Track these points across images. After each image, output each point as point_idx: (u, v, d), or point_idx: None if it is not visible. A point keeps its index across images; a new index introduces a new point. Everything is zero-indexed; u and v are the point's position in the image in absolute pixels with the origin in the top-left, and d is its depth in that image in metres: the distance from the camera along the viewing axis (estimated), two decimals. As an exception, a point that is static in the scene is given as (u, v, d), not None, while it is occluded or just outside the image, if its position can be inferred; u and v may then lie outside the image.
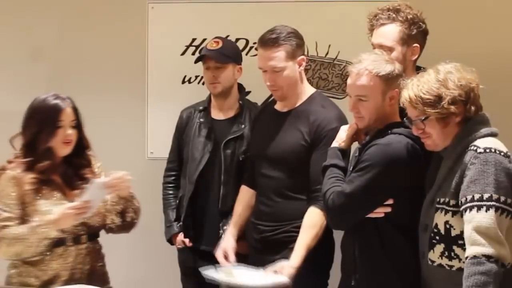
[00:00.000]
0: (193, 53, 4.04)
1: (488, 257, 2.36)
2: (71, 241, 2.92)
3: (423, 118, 2.56)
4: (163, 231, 3.68)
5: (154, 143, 4.14)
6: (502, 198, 2.42)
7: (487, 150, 2.46)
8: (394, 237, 2.72)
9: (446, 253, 2.53)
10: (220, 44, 3.55)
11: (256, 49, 3.38)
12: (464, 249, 2.44)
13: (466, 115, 2.54)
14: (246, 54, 3.92)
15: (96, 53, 4.15)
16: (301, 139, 3.12)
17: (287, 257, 3.00)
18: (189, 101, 3.77)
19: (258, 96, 3.80)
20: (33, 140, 2.91)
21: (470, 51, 3.54)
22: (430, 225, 2.58)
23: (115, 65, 4.14)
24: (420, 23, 3.00)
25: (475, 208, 2.41)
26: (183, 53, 4.09)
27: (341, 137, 2.93)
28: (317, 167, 2.99)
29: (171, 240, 3.66)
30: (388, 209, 2.69)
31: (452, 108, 2.51)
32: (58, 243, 2.87)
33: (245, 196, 3.38)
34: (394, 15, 2.98)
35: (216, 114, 3.62)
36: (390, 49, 2.93)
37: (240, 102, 3.60)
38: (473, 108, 2.54)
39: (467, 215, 2.43)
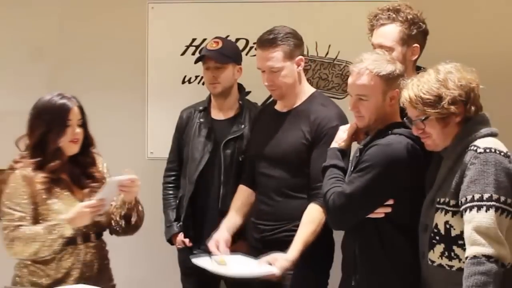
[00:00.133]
0: (193, 53, 4.04)
1: (488, 257, 2.36)
2: (81, 240, 2.93)
3: (423, 118, 2.56)
4: (163, 231, 3.68)
5: (154, 143, 4.14)
6: (502, 198, 2.42)
7: (487, 150, 2.46)
8: (394, 237, 2.72)
9: (446, 253, 2.53)
10: (220, 44, 3.55)
11: (255, 49, 3.38)
12: (464, 249, 2.44)
13: (466, 115, 2.54)
14: (246, 54, 3.91)
15: (96, 53, 4.15)
16: (302, 138, 3.13)
17: (287, 256, 3.01)
18: (189, 101, 3.77)
19: (258, 96, 3.80)
20: (42, 140, 2.91)
21: (470, 51, 3.55)
22: (430, 225, 2.58)
23: (115, 65, 4.14)
24: (420, 23, 3.00)
25: (475, 208, 2.41)
26: (183, 53, 4.09)
27: (340, 137, 2.93)
28: (317, 165, 2.99)
29: (171, 240, 3.66)
30: (388, 210, 2.69)
31: (452, 108, 2.51)
32: (69, 241, 2.88)
33: (243, 194, 3.37)
34: (394, 15, 2.98)
35: (216, 114, 3.62)
36: (390, 49, 2.93)
37: (240, 102, 3.60)
38: (473, 108, 2.54)
39: (467, 215, 2.43)
